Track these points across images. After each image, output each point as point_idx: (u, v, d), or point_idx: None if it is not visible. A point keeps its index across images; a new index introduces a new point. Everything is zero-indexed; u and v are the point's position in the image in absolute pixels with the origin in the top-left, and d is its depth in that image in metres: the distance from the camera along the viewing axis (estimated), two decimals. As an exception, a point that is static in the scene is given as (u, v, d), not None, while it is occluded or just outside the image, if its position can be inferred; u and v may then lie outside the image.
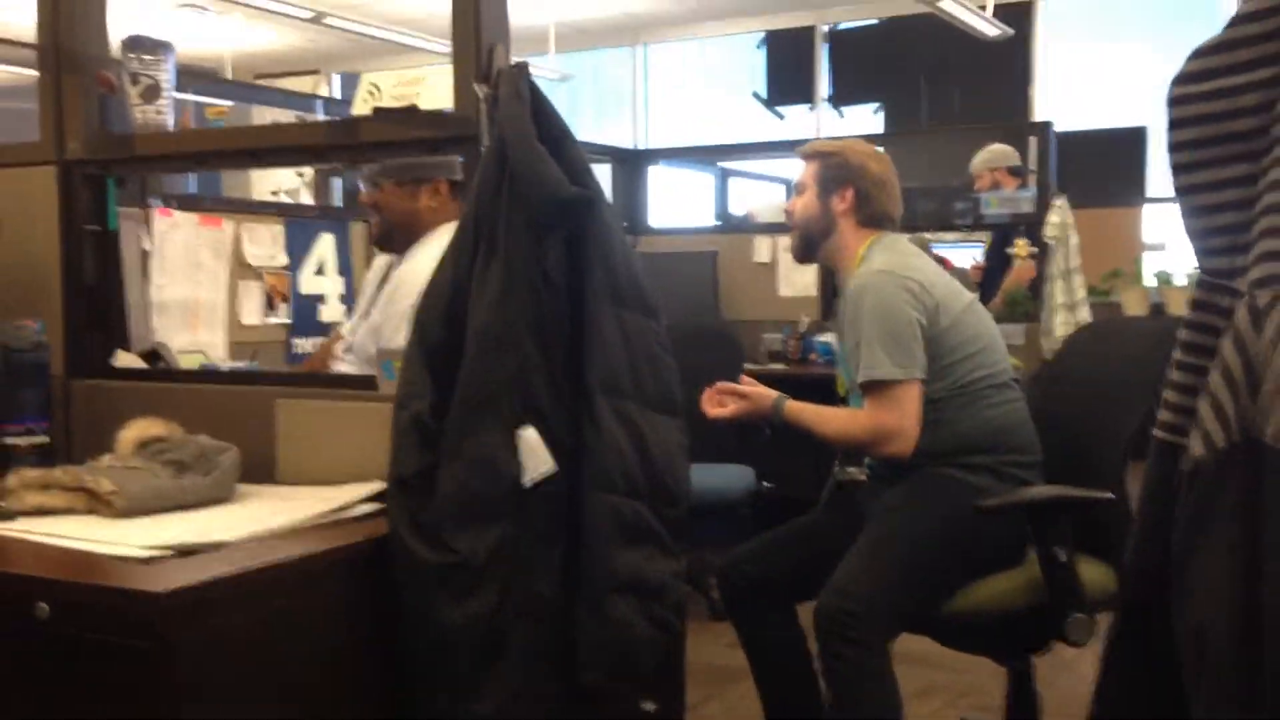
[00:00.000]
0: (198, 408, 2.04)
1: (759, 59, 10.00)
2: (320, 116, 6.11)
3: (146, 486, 1.74)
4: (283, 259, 3.85)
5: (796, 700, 2.53)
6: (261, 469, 1.95)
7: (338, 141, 2.04)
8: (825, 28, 9.61)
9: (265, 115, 6.04)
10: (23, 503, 1.72)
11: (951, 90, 9.14)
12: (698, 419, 2.33)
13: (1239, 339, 1.33)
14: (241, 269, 3.72)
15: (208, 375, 2.45)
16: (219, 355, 3.47)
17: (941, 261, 5.60)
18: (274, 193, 5.35)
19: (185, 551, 1.50)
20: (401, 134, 1.93)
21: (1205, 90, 1.46)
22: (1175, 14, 8.94)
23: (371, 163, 2.40)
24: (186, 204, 3.49)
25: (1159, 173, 8.26)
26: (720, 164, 6.85)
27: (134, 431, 1.90)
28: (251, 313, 3.73)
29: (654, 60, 10.32)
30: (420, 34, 8.14)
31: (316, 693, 1.54)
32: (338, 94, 9.83)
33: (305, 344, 3.86)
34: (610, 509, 1.68)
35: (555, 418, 1.69)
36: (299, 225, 3.90)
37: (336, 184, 5.33)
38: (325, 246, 3.95)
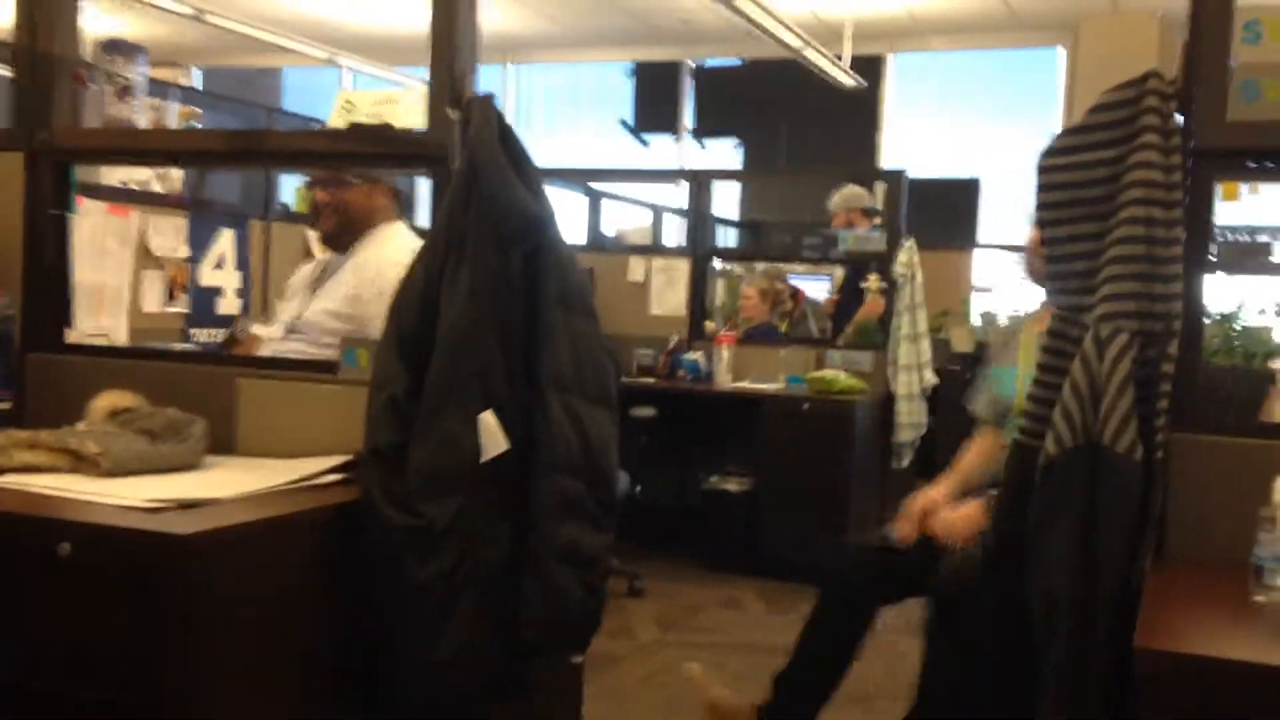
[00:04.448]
0: (152, 384, 2.18)
1: (628, 88, 10.35)
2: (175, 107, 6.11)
3: (129, 450, 1.91)
4: (185, 251, 3.95)
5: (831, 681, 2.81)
6: (217, 443, 2.12)
7: (315, 149, 2.23)
8: (691, 63, 10.04)
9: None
10: (12, 460, 1.86)
11: (807, 133, 9.68)
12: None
13: (1085, 362, 1.70)
14: (145, 259, 3.81)
15: (161, 353, 2.57)
16: (121, 340, 3.56)
17: (795, 292, 6.03)
18: (122, 183, 5.34)
19: (185, 505, 1.69)
20: (378, 149, 2.14)
21: (1066, 163, 1.85)
22: (1008, 83, 9.75)
23: (340, 171, 2.56)
24: (94, 193, 3.57)
25: (989, 221, 8.97)
26: (591, 185, 7.13)
27: (105, 401, 2.06)
28: (153, 301, 3.82)
29: (524, 81, 10.56)
30: (283, 32, 8.36)
31: (298, 635, 1.74)
32: (199, 86, 9.76)
33: (202, 334, 3.96)
34: (556, 488, 1.94)
35: (511, 406, 1.93)
36: (202, 220, 4.01)
37: (223, 181, 5.38)
38: (225, 242, 4.06)
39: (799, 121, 9.69)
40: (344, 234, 2.63)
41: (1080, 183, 1.88)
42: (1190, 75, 1.85)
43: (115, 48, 2.29)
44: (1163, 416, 1.69)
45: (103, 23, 8.57)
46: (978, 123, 9.97)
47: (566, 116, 10.82)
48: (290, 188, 6.05)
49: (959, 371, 5.86)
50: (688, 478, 4.99)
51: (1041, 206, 1.86)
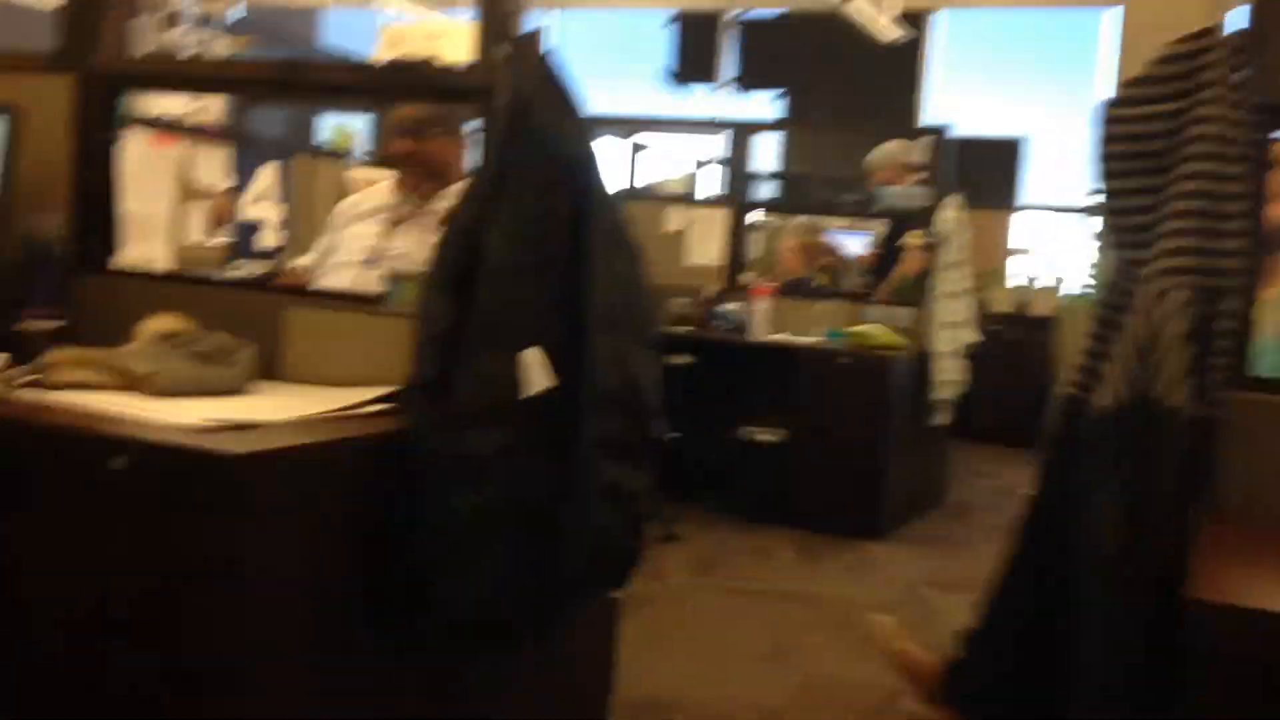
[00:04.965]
0: (198, 310, 2.20)
1: (668, 37, 10.25)
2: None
3: (179, 371, 1.93)
4: (228, 183, 3.96)
5: None
6: (262, 370, 2.13)
7: (360, 82, 2.23)
8: (733, 14, 9.92)
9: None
10: (65, 376, 1.88)
11: (849, 87, 9.57)
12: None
13: (1141, 315, 1.68)
14: (188, 190, 3.82)
15: (208, 280, 2.60)
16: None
17: (830, 247, 6.00)
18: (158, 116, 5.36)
19: (237, 426, 1.70)
20: (422, 83, 2.14)
21: (1127, 114, 1.82)
22: (1054, 40, 9.58)
23: (402, 110, 2.57)
24: (138, 124, 3.58)
25: (1032, 182, 8.87)
26: (630, 134, 7.09)
27: (155, 324, 2.07)
28: (196, 232, 3.84)
29: (566, 27, 10.47)
30: None
31: (340, 559, 1.76)
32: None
33: (243, 266, 3.98)
34: (599, 425, 1.94)
35: (554, 342, 1.93)
36: (246, 153, 4.02)
37: (261, 116, 5.39)
38: (268, 175, 4.07)
39: (841, 75, 9.57)
40: (425, 183, 2.66)
41: (1141, 135, 1.84)
42: (1258, 28, 1.82)
43: (169, -27, 2.29)
44: (1220, 374, 1.67)
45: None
46: (1023, 81, 9.82)
47: (607, 64, 10.74)
48: (330, 125, 6.06)
49: (1000, 332, 5.83)
50: (722, 427, 5.00)
51: (1101, 158, 1.83)
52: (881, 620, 2.85)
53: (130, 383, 1.90)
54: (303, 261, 3.18)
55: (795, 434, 4.81)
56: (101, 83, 2.32)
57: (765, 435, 4.90)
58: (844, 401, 4.73)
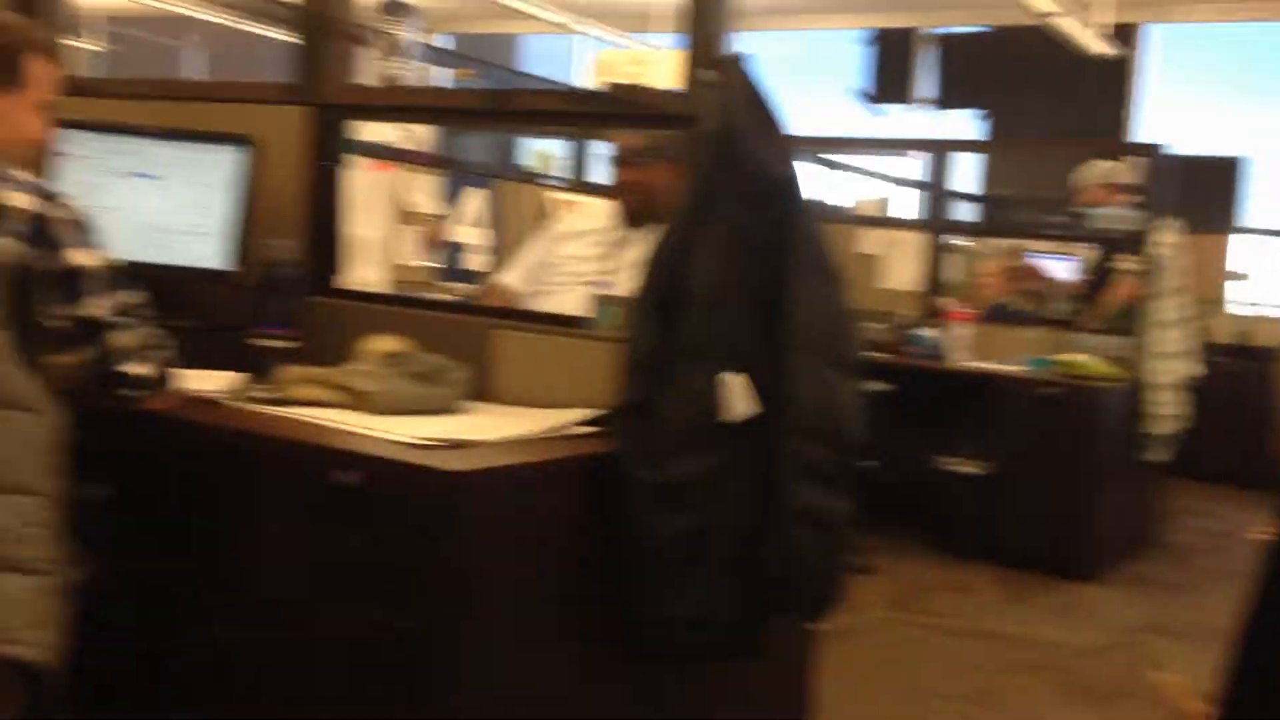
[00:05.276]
0: (413, 330, 2.29)
1: (862, 56, 10.14)
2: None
3: (399, 390, 2.01)
4: (438, 208, 4.13)
5: None
6: (471, 390, 2.20)
7: (574, 109, 2.29)
8: (929, 30, 9.73)
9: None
10: (296, 393, 1.99)
11: (1054, 104, 9.23)
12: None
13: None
14: (402, 214, 3.99)
15: (423, 302, 2.71)
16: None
17: (1039, 271, 5.79)
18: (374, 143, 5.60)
19: (453, 444, 1.76)
20: (629, 109, 2.17)
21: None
22: (1269, 58, 9.00)
23: (626, 139, 2.63)
24: (358, 150, 3.76)
25: (1254, 203, 8.35)
26: (823, 155, 7.03)
27: (377, 344, 2.17)
28: (408, 255, 4.01)
29: (756, 48, 10.48)
30: None
31: (550, 577, 1.80)
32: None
33: (451, 288, 4.14)
34: (800, 451, 1.93)
35: (758, 368, 1.93)
36: (455, 178, 4.18)
37: (467, 143, 5.60)
38: (477, 200, 4.21)
39: (1046, 92, 9.24)
40: (644, 211, 2.72)
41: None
42: None
43: (390, 8, 2.41)
44: None
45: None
46: (1243, 99, 9.27)
47: (799, 85, 10.70)
48: (530, 150, 6.24)
49: (1222, 364, 5.49)
50: (918, 456, 4.88)
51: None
52: (1169, 679, 2.68)
53: (354, 400, 1.99)
54: (506, 279, 3.27)
55: (998, 465, 4.66)
56: (330, 113, 2.46)
57: (965, 466, 4.75)
58: (1050, 433, 4.54)
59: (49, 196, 1.67)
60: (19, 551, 1.49)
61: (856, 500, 2.01)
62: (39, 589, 1.51)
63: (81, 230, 1.69)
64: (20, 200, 1.63)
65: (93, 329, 1.70)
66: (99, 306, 1.69)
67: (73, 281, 1.67)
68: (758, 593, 1.92)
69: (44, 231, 1.64)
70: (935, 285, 5.49)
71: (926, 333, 5.11)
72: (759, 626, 1.97)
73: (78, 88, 1.91)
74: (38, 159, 1.86)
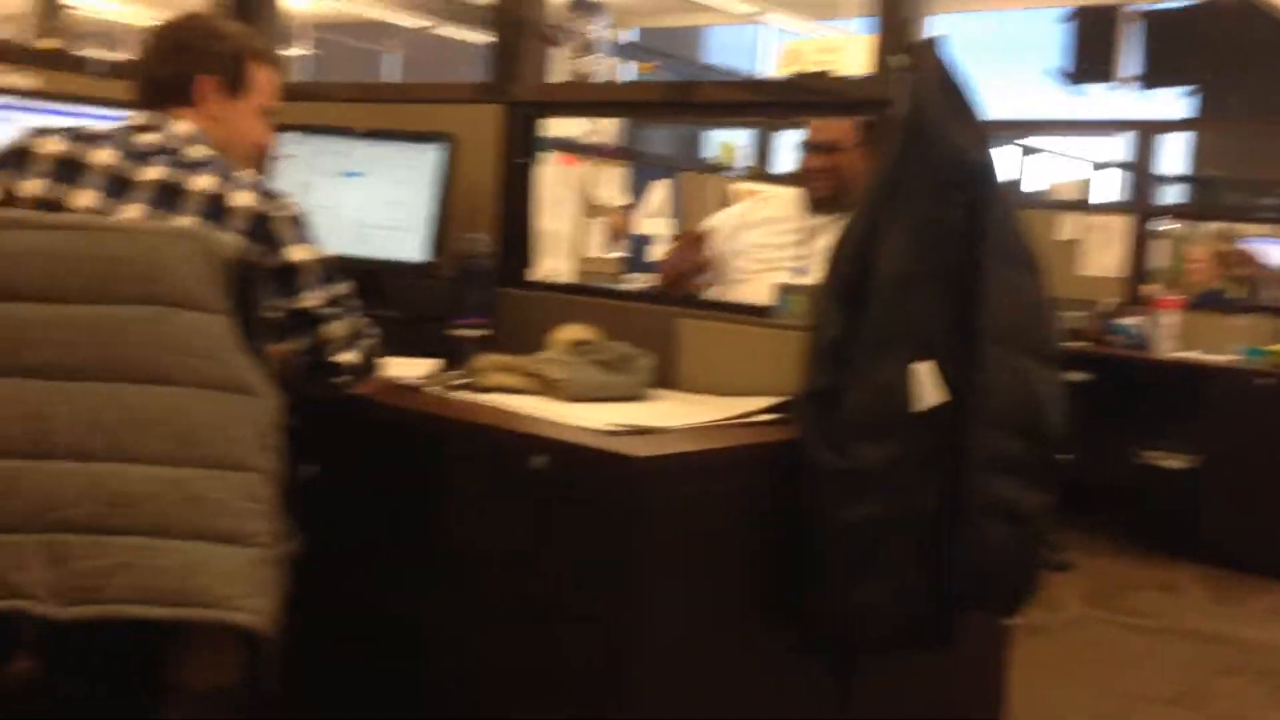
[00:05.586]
0: (600, 320, 2.34)
1: (1060, 35, 9.74)
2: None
3: (588, 378, 2.07)
4: (623, 200, 4.20)
5: None
6: (657, 377, 2.23)
7: (757, 99, 2.30)
8: (1133, 6, 9.26)
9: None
10: (490, 380, 2.07)
11: (1269, 80, 8.66)
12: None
13: None
14: (589, 206, 4.08)
15: (609, 292, 2.77)
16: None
17: (1248, 256, 5.45)
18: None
19: (639, 431, 1.80)
20: (817, 97, 2.16)
21: None
22: None
23: (816, 125, 2.63)
24: (548, 145, 3.86)
25: None
26: (1020, 139, 6.81)
27: (566, 333, 2.24)
28: (595, 246, 4.10)
29: (948, 30, 10.19)
30: None
31: (728, 561, 1.82)
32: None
33: (636, 279, 4.20)
34: (991, 442, 1.88)
35: (947, 356, 1.89)
36: (640, 171, 4.24)
37: (652, 136, 5.68)
38: (661, 192, 4.27)
39: (1259, 68, 8.68)
40: (836, 197, 2.71)
41: None
42: None
43: (580, 7, 2.47)
44: None
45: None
46: None
47: (995, 66, 10.35)
48: (714, 141, 6.27)
49: None
50: (1119, 450, 4.68)
51: None
52: None
53: (545, 387, 2.06)
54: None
55: (1206, 460, 4.42)
56: (523, 110, 2.54)
57: (1170, 460, 4.54)
58: (1266, 427, 4.29)
59: (270, 195, 1.79)
60: (242, 525, 1.60)
61: (1054, 494, 1.96)
62: (258, 560, 1.61)
63: (299, 227, 1.80)
64: (244, 199, 1.75)
65: (308, 320, 1.81)
66: (314, 299, 1.80)
67: (291, 276, 1.78)
68: (946, 584, 1.89)
69: (265, 228, 1.76)
70: (1140, 271, 5.24)
71: (1130, 321, 4.90)
72: (948, 619, 1.94)
73: (289, 92, 2.03)
74: (259, 160, 1.98)
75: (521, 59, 2.54)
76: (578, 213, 3.99)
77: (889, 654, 1.99)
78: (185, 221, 1.72)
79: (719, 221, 3.13)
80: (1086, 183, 7.22)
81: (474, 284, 2.35)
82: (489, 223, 2.53)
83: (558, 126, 5.70)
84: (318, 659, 1.94)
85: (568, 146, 4.04)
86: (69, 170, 1.76)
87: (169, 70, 1.87)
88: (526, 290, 2.55)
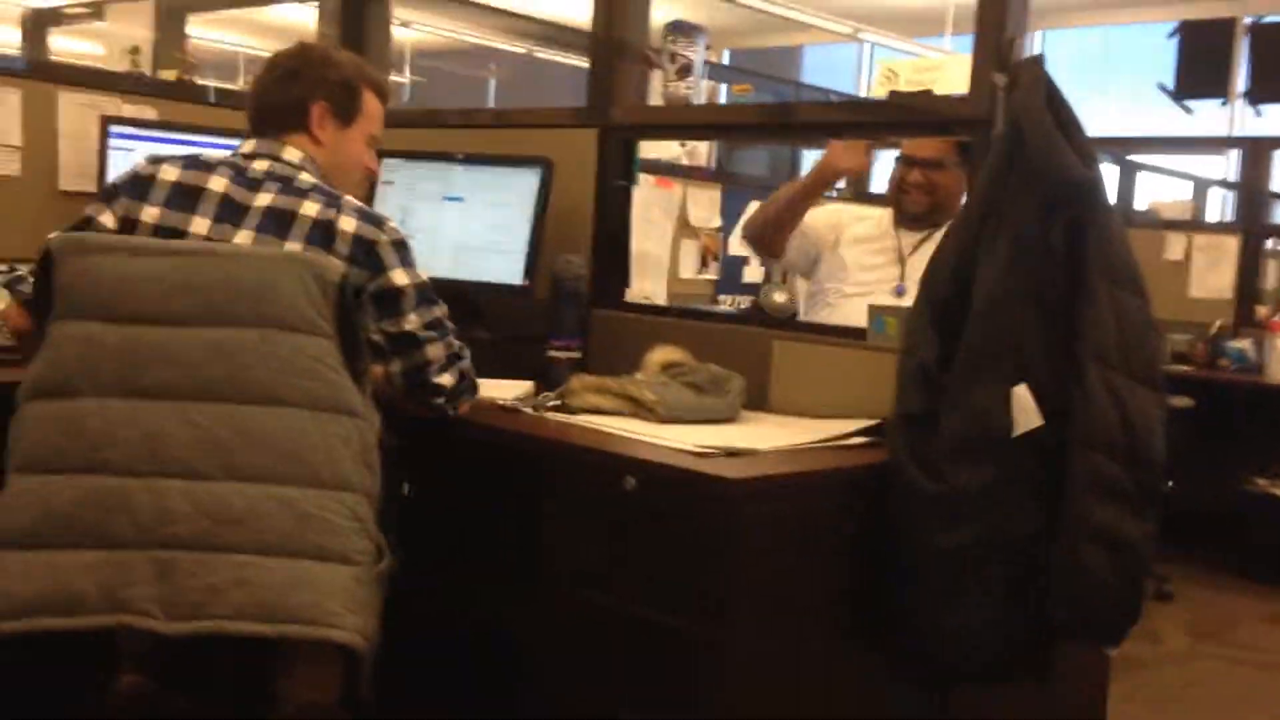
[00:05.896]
0: (693, 342, 2.35)
1: (1167, 50, 9.49)
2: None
3: (679, 399, 2.08)
4: (717, 221, 4.21)
5: None
6: (750, 400, 2.23)
7: (855, 119, 2.29)
8: (1243, 19, 8.99)
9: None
10: (584, 401, 2.10)
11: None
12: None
13: None
14: (682, 228, 4.10)
15: (703, 314, 2.79)
16: (661, 303, 3.85)
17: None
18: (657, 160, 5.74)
19: (731, 453, 1.81)
20: (915, 116, 2.15)
21: None
22: None
23: (915, 143, 2.62)
24: (644, 167, 3.88)
25: None
26: (1124, 155, 6.64)
27: (659, 355, 2.25)
28: (688, 268, 4.11)
29: (1052, 48, 10.03)
30: (808, 9, 8.44)
31: (819, 585, 1.81)
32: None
33: (728, 300, 4.21)
34: (1091, 466, 1.84)
35: (1046, 379, 1.86)
36: (733, 192, 4.25)
37: (745, 156, 5.67)
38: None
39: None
40: (932, 214, 2.70)
41: None
42: None
43: (677, 29, 2.49)
44: None
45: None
46: None
47: (1099, 83, 10.14)
48: (809, 161, 6.25)
49: None
50: (1226, 476, 4.53)
51: None
52: None
53: (637, 408, 2.07)
54: (779, 297, 3.26)
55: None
56: (620, 134, 2.57)
57: (1278, 488, 4.37)
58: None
59: (374, 221, 1.85)
60: (344, 544, 1.65)
61: (1157, 521, 1.91)
62: (359, 578, 1.65)
63: (401, 251, 1.85)
64: (350, 224, 1.81)
65: (409, 342, 1.86)
66: (414, 322, 1.85)
67: (393, 299, 1.83)
68: (1043, 612, 1.85)
69: (370, 253, 1.81)
70: (1250, 293, 5.08)
71: (1240, 345, 4.75)
72: (1045, 649, 1.90)
73: (391, 119, 2.09)
74: (365, 186, 2.04)
75: (618, 82, 2.57)
76: (671, 234, 4.01)
77: (984, 683, 1.95)
78: (294, 246, 1.78)
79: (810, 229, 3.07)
80: (1195, 202, 7.03)
81: (568, 305, 2.38)
82: (585, 245, 2.57)
83: (651, 147, 5.77)
84: (413, 674, 1.97)
85: (663, 168, 4.07)
86: (186, 197, 1.83)
87: (282, 97, 1.94)
88: (620, 312, 2.58)
